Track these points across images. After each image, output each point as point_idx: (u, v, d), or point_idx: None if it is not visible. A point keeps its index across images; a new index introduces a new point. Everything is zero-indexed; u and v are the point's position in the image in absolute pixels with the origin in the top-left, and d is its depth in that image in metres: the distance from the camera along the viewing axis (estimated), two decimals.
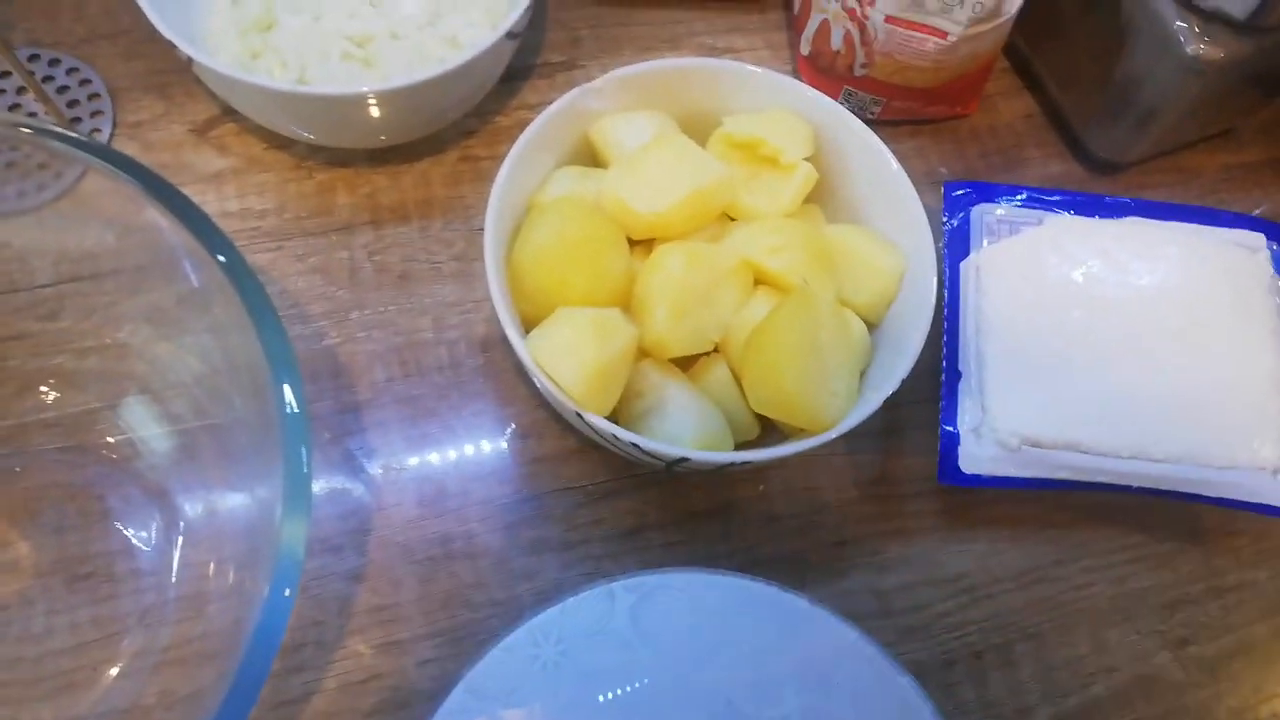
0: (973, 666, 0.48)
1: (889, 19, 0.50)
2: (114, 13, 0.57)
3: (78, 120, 0.54)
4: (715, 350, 0.45)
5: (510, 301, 0.43)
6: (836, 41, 0.54)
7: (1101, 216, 0.52)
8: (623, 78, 0.47)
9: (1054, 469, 0.47)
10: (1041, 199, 0.52)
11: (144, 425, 0.45)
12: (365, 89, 0.47)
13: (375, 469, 0.48)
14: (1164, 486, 0.47)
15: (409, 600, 0.46)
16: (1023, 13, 0.52)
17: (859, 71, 0.54)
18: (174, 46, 0.47)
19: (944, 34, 0.50)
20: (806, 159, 0.46)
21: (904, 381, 0.43)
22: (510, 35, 0.49)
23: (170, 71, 0.56)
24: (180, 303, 0.43)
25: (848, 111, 0.47)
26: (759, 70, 0.47)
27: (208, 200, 0.53)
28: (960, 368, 0.48)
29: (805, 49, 0.57)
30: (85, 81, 0.55)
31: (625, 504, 0.49)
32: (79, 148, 0.38)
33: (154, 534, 0.45)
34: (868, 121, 0.56)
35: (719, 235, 0.46)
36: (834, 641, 0.44)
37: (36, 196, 0.47)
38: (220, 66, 0.46)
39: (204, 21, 0.53)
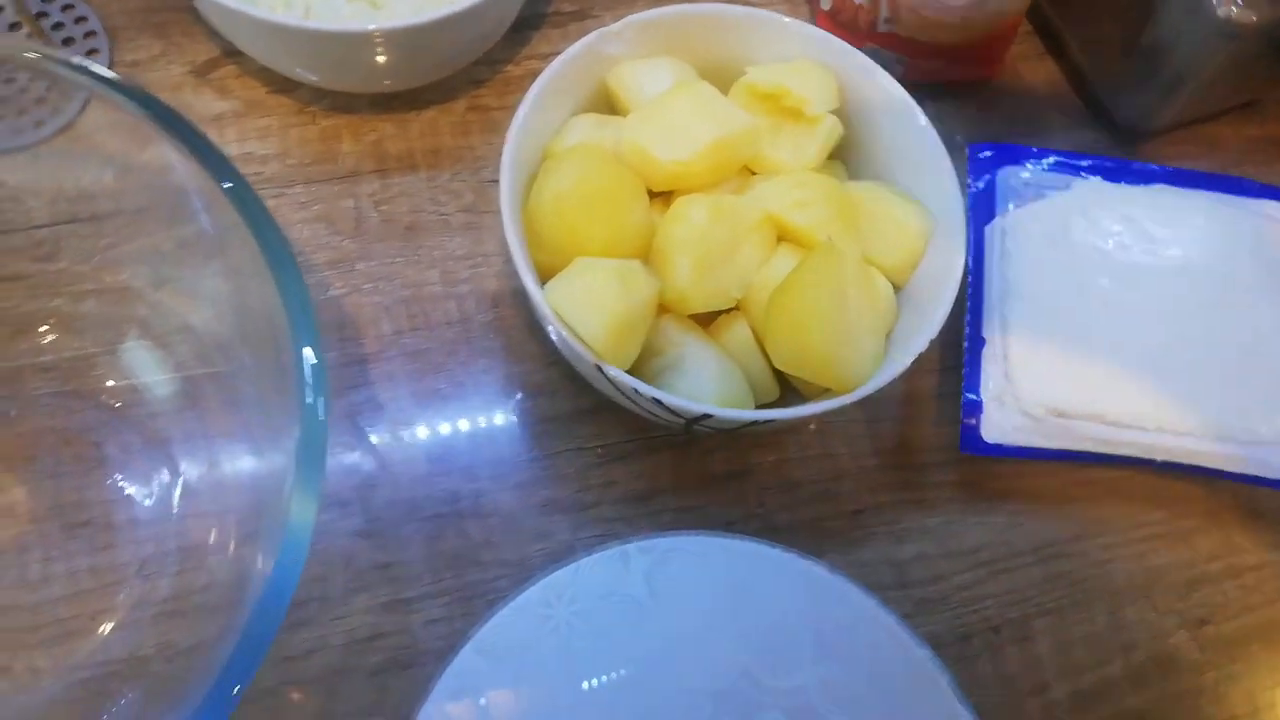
0: (990, 641, 0.47)
1: None
2: None
3: None
4: (735, 308, 0.44)
5: (527, 250, 0.41)
6: None
7: (1129, 183, 0.51)
8: (642, 22, 0.45)
9: (1078, 440, 0.46)
10: (1069, 163, 0.50)
11: (145, 371, 0.43)
12: (371, 27, 0.45)
13: (382, 424, 0.47)
14: (1187, 461, 0.46)
15: (416, 558, 0.45)
16: None
17: (883, 27, 0.53)
18: None
19: None
20: (832, 112, 0.45)
21: (923, 352, 0.42)
22: None
23: (169, 10, 0.54)
24: (184, 246, 0.41)
25: (874, 63, 0.45)
26: (786, 19, 0.46)
27: None
28: (984, 334, 0.47)
29: (826, 4, 0.55)
30: (81, 19, 0.53)
31: (639, 466, 0.48)
32: (85, 75, 0.36)
33: (154, 484, 0.44)
34: None
35: (740, 189, 0.45)
36: (852, 610, 0.43)
37: (34, 133, 0.45)
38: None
39: None
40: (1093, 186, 0.50)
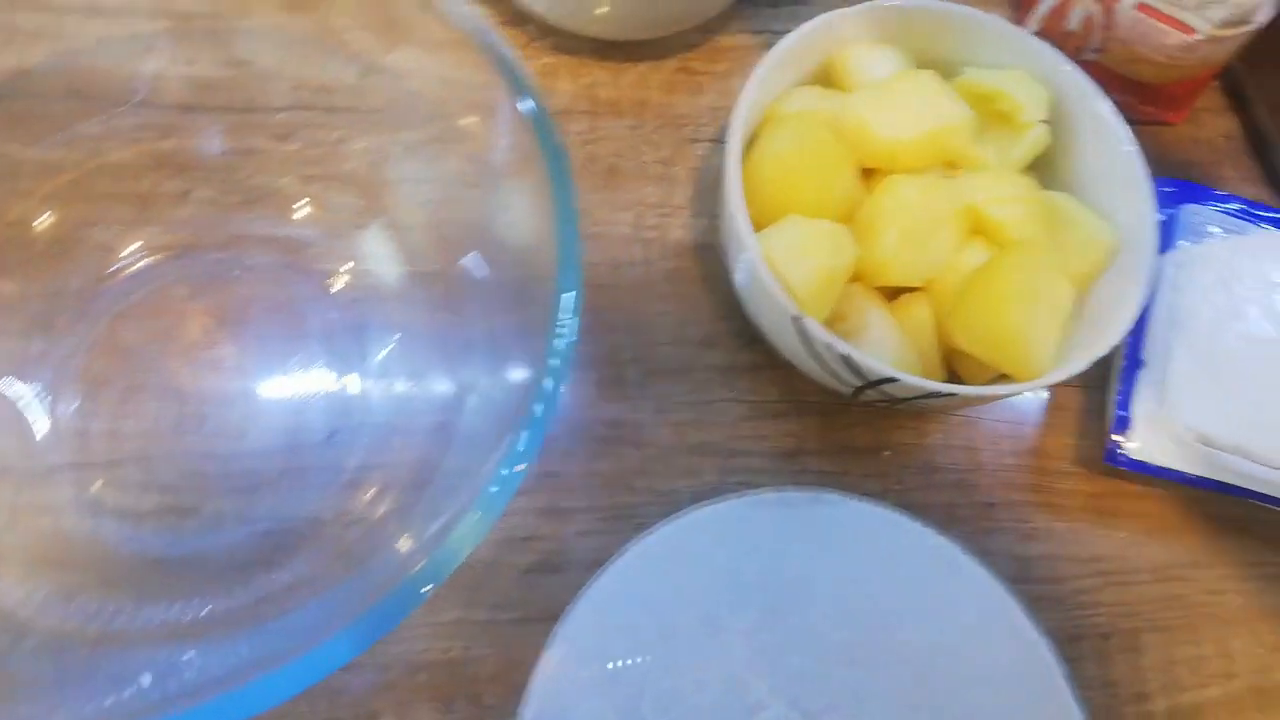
0: (1099, 645, 0.49)
1: (1141, 6, 0.51)
2: None
3: None
4: (920, 289, 0.46)
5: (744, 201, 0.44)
6: (1074, 21, 0.54)
7: None
8: (879, 9, 0.48)
9: (1219, 470, 0.48)
10: (1251, 211, 0.52)
11: (369, 257, 0.47)
12: None
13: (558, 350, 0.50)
14: None
15: (576, 473, 0.47)
16: None
17: (1089, 55, 0.55)
18: None
19: (1191, 30, 0.51)
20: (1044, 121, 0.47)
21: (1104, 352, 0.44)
22: None
23: None
24: (443, 140, 0.44)
25: (1091, 85, 0.47)
26: (1015, 29, 0.48)
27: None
28: (1143, 356, 0.49)
29: (1034, 26, 0.57)
30: None
31: (789, 426, 0.50)
32: None
33: (351, 365, 0.46)
34: None
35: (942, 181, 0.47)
36: (979, 590, 0.45)
37: None
38: None
39: None
40: (1270, 236, 0.51)
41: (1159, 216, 0.51)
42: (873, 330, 0.44)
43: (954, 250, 0.45)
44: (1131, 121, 0.59)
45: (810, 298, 0.41)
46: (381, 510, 0.44)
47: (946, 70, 0.49)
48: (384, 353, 0.47)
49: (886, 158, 0.45)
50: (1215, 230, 0.52)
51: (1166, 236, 0.51)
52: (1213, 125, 0.62)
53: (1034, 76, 0.48)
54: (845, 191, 0.44)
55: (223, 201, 0.47)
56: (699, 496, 0.48)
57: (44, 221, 0.45)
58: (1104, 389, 0.52)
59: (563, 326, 0.35)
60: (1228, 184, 0.60)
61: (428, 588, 0.33)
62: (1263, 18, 0.51)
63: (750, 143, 0.46)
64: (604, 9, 0.54)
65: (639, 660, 0.43)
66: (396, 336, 0.47)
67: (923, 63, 0.49)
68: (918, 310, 0.45)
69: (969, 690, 0.44)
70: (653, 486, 0.48)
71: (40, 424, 0.43)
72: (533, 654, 0.41)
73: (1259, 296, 0.50)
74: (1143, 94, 0.56)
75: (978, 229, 0.46)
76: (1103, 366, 0.50)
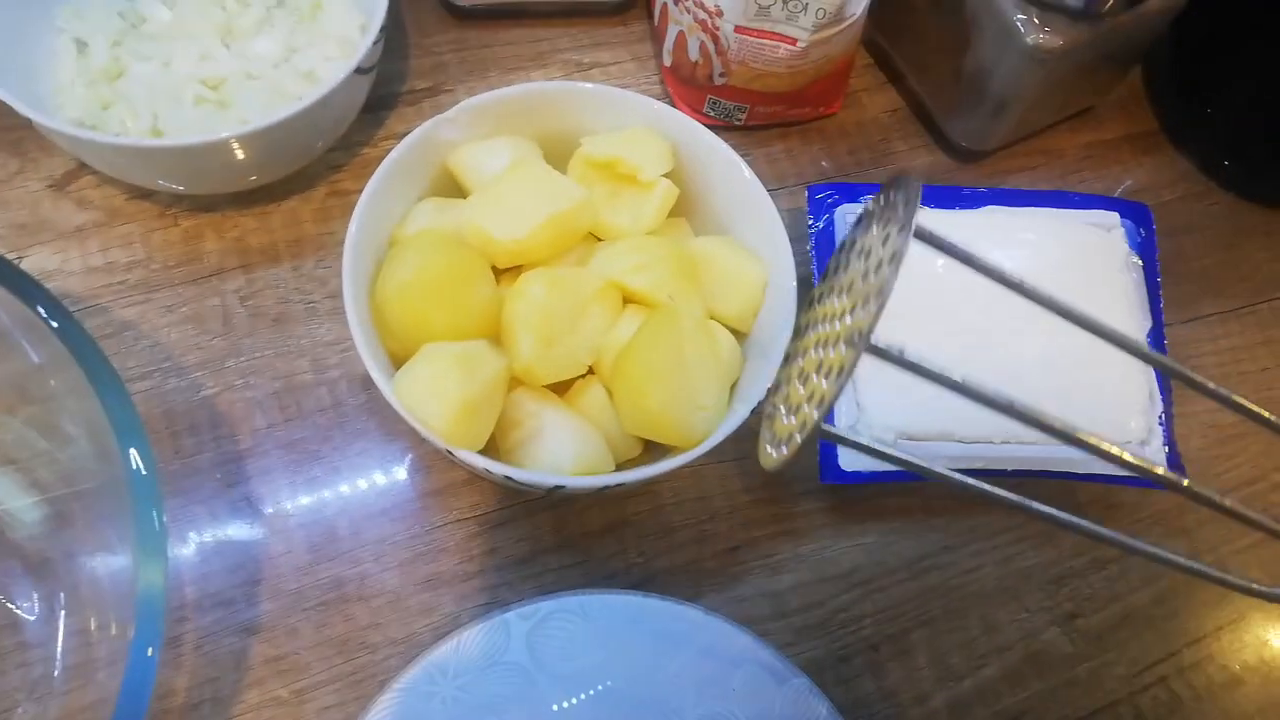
0: (869, 659, 0.49)
1: (738, 29, 0.51)
2: None
3: None
4: (590, 372, 0.45)
5: (376, 342, 0.43)
6: (694, 52, 0.54)
7: (961, 208, 0.53)
8: (476, 106, 0.47)
9: (930, 460, 0.48)
10: None
11: (12, 496, 0.44)
12: (224, 135, 0.46)
13: (263, 517, 0.48)
14: (1039, 468, 0.49)
15: (306, 647, 0.46)
16: (879, 8, 0.53)
17: (719, 80, 0.55)
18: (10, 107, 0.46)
19: (793, 40, 0.51)
20: (667, 174, 0.47)
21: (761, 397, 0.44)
22: (361, 70, 0.49)
23: (21, 127, 0.54)
24: (33, 373, 0.42)
25: (698, 124, 0.47)
26: (610, 89, 0.48)
27: (70, 256, 0.52)
28: None
29: (667, 60, 0.58)
30: None
31: (519, 531, 0.49)
32: None
33: (37, 605, 0.44)
34: (735, 128, 0.58)
35: (585, 256, 0.46)
36: (729, 648, 0.45)
37: None
38: (62, 126, 0.45)
39: (50, 75, 0.52)
40: (924, 215, 0.52)
41: (819, 224, 0.51)
42: (548, 430, 0.43)
43: (607, 328, 0.44)
44: (794, 124, 0.60)
45: (454, 429, 0.40)
46: None
47: (575, 141, 0.48)
48: (72, 579, 0.44)
49: (515, 256, 0.44)
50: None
51: (830, 243, 0.52)
52: (874, 104, 0.63)
53: (652, 131, 0.48)
54: (483, 303, 0.43)
55: None
56: (440, 632, 0.47)
57: None
58: None
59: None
60: (900, 157, 0.61)
61: None
62: (856, 9, 0.51)
63: (379, 270, 0.45)
64: (253, 177, 0.52)
65: None
66: (79, 564, 0.45)
67: (548, 140, 0.49)
68: (592, 395, 0.45)
69: None
70: (389, 637, 0.47)
71: None
72: None
73: (927, 278, 0.50)
74: (788, 99, 0.57)
75: (628, 298, 0.45)
76: None
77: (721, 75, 0.54)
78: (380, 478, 0.49)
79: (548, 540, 0.49)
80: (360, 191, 0.53)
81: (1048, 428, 0.40)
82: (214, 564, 0.47)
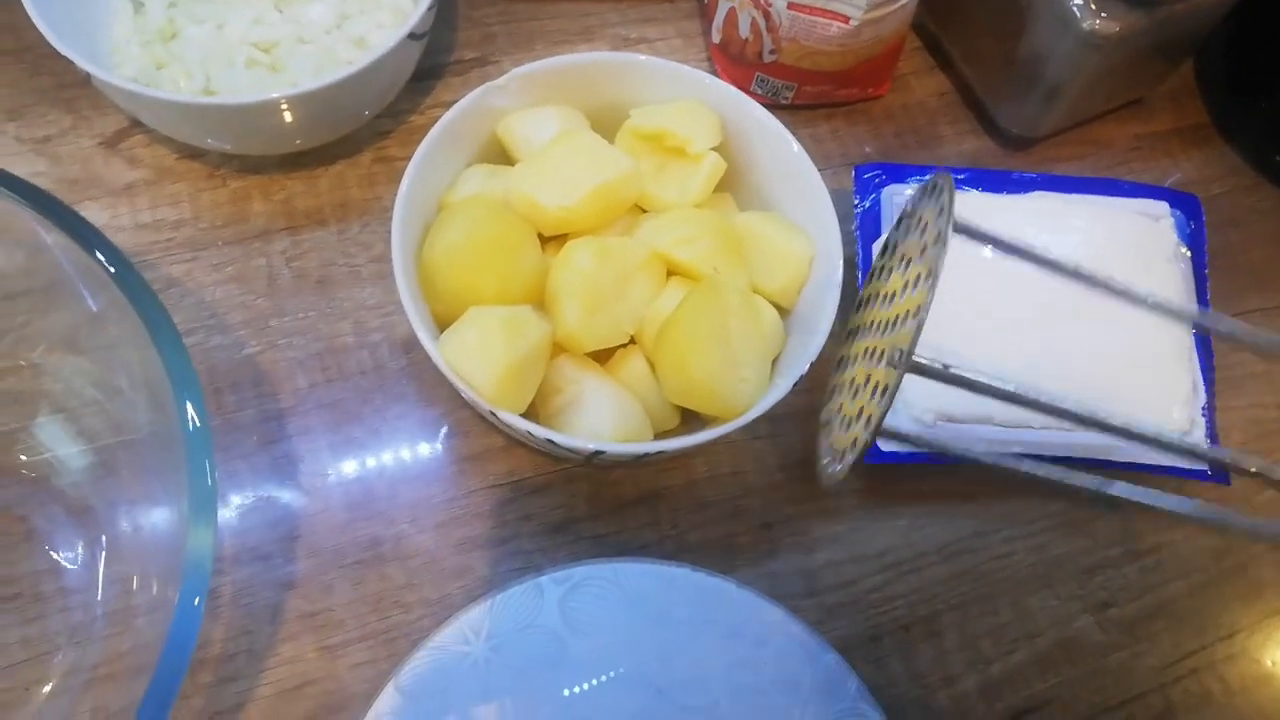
0: (900, 640, 0.49)
1: (791, 5, 0.51)
2: (17, 29, 0.56)
3: None
4: (632, 342, 0.45)
5: (422, 304, 0.43)
6: (744, 29, 0.54)
7: (1009, 193, 0.53)
8: (527, 74, 0.47)
9: (970, 443, 0.48)
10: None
11: (61, 444, 0.45)
12: (274, 95, 0.47)
13: (302, 476, 0.48)
14: (1077, 455, 0.48)
15: (341, 604, 0.46)
16: None
17: (768, 58, 0.55)
18: (72, 62, 0.46)
19: (846, 18, 0.51)
20: (714, 148, 0.47)
21: (821, 363, 0.44)
22: (414, 36, 0.49)
23: (76, 85, 0.55)
24: (88, 321, 0.42)
25: (749, 98, 0.47)
26: (661, 62, 0.48)
27: (120, 213, 0.53)
28: None
29: (716, 37, 0.57)
30: None
31: (554, 498, 0.49)
32: None
33: (79, 551, 0.45)
34: (782, 107, 0.58)
35: (631, 228, 0.47)
36: (760, 622, 0.45)
37: None
38: (121, 81, 0.46)
39: (107, 33, 0.52)
40: (972, 198, 0.52)
41: (865, 204, 0.51)
42: (588, 397, 0.43)
43: (651, 299, 0.45)
44: (839, 104, 0.60)
45: (501, 391, 0.40)
46: (133, 697, 0.42)
47: (623, 113, 0.48)
48: (111, 532, 0.45)
49: (562, 225, 0.44)
50: None
51: (875, 222, 0.52)
52: (921, 87, 0.62)
53: (701, 104, 0.48)
54: (529, 269, 0.44)
55: None
56: (473, 595, 0.47)
57: None
58: None
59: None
60: (947, 142, 0.61)
61: None
62: None
63: (426, 235, 0.45)
64: (298, 141, 0.53)
65: None
66: (122, 513, 0.45)
67: (595, 111, 0.49)
68: (633, 365, 0.45)
69: None
70: (423, 597, 0.47)
71: None
72: None
73: (972, 261, 0.50)
74: (837, 79, 0.56)
75: (673, 270, 0.45)
76: None
77: (771, 53, 0.54)
78: (418, 441, 0.50)
79: (582, 509, 0.49)
80: (406, 159, 0.53)
81: (1110, 428, 0.40)
82: (252, 520, 0.47)
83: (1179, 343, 0.50)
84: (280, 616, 0.46)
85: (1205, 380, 0.50)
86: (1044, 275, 0.50)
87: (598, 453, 0.41)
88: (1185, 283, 0.52)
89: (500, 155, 0.49)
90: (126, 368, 0.41)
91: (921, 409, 0.47)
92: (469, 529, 0.48)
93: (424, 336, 0.41)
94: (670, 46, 0.61)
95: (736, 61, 0.57)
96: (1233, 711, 0.50)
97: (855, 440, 0.41)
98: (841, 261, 0.45)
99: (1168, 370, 0.49)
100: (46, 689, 0.43)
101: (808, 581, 0.49)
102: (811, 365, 0.43)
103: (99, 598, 0.44)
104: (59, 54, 0.47)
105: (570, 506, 0.49)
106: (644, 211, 0.48)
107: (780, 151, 0.47)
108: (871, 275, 0.48)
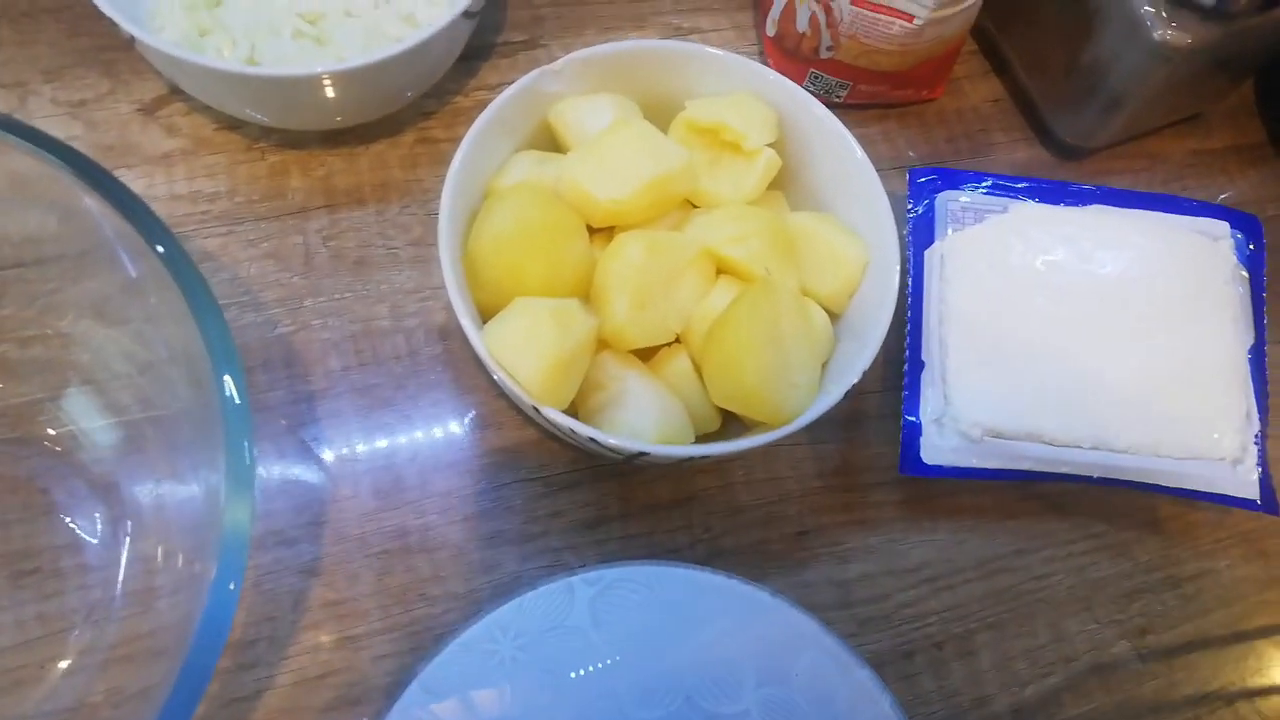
0: (933, 657, 0.48)
1: (855, 1, 0.49)
2: None
3: None
4: (676, 341, 0.44)
5: (466, 291, 0.42)
6: (802, 23, 0.53)
7: (1066, 204, 0.51)
8: (583, 59, 0.46)
9: (1015, 459, 0.47)
10: (1007, 186, 0.51)
11: (87, 417, 0.44)
12: (319, 69, 0.45)
13: (330, 460, 0.47)
14: (1124, 477, 0.47)
15: (365, 594, 0.45)
16: None
17: (825, 54, 0.53)
18: (115, 24, 0.45)
19: (910, 17, 0.49)
20: (770, 145, 0.45)
21: (867, 372, 0.42)
22: (468, 14, 0.48)
23: (116, 49, 0.54)
24: (122, 291, 0.41)
25: (811, 96, 0.46)
26: (720, 53, 0.46)
27: (156, 182, 0.51)
28: (924, 357, 0.48)
29: (771, 30, 0.56)
30: None
31: (586, 495, 0.48)
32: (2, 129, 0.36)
33: (101, 528, 0.44)
34: (834, 105, 0.56)
35: (681, 222, 0.45)
36: (794, 633, 0.44)
37: None
38: (164, 45, 0.44)
39: None
40: (1030, 209, 0.50)
41: (918, 209, 0.50)
42: (631, 396, 0.42)
43: (699, 297, 0.43)
44: (892, 105, 0.58)
45: (545, 386, 0.39)
46: (150, 680, 0.41)
47: (677, 104, 0.47)
48: (135, 509, 0.44)
49: (612, 216, 0.43)
50: (978, 212, 0.50)
51: (929, 229, 0.50)
52: (976, 92, 0.61)
53: (758, 98, 0.46)
54: (576, 261, 0.42)
55: None
56: (501, 590, 0.46)
57: None
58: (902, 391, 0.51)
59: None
60: (999, 149, 0.60)
61: None
62: None
63: (474, 220, 0.44)
64: (339, 118, 0.51)
65: None
66: (147, 490, 0.44)
67: (649, 101, 0.48)
68: (677, 364, 0.44)
69: None
70: (450, 591, 0.46)
71: None
72: None
73: (1028, 273, 0.49)
74: (893, 79, 0.55)
75: (722, 269, 0.44)
76: (900, 368, 0.49)
77: (829, 49, 0.53)
78: (451, 430, 0.48)
79: (614, 508, 0.48)
80: (449, 141, 0.52)
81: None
82: (279, 502, 0.46)
83: (1235, 367, 0.49)
84: (303, 604, 0.45)
85: (1260, 406, 0.49)
86: (1097, 293, 0.49)
87: (640, 454, 0.40)
88: (1242, 306, 0.50)
89: (549, 142, 0.48)
90: (163, 341, 0.40)
91: (969, 422, 0.46)
92: (498, 523, 0.47)
93: (467, 325, 0.40)
94: (722, 37, 0.60)
95: (791, 56, 0.56)
96: None
97: None
98: (898, 270, 0.43)
99: (1222, 395, 0.48)
100: (62, 666, 0.42)
101: (841, 593, 0.48)
102: (864, 374, 0.41)
103: (120, 576, 0.43)
104: (99, 14, 0.45)
105: (602, 505, 0.48)
106: (694, 206, 0.47)
107: (839, 152, 0.46)
108: None
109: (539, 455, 0.49)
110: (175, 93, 0.53)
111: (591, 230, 0.44)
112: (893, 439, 0.50)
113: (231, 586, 0.32)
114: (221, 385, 0.33)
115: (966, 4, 0.50)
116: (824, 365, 0.45)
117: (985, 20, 0.60)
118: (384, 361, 0.49)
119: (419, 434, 0.48)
